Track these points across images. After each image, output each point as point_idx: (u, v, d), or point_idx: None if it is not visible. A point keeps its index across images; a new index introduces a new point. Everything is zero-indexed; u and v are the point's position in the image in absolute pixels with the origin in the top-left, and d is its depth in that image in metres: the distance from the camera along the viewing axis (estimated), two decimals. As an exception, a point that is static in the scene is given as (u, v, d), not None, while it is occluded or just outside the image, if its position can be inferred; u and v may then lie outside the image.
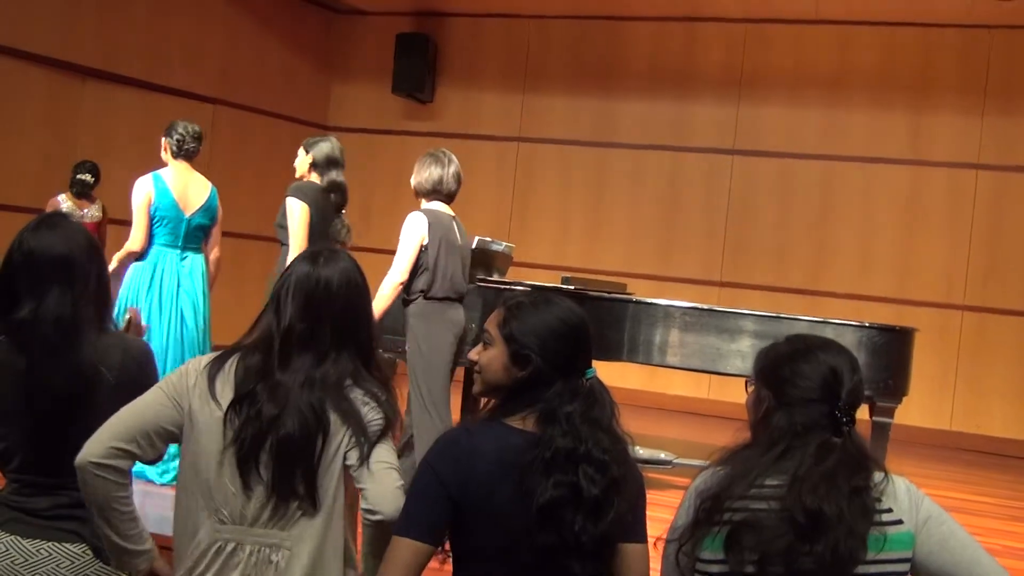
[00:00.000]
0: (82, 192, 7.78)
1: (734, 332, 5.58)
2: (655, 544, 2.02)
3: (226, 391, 2.16)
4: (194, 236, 5.26)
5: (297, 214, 4.88)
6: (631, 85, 10.03)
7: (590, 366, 2.13)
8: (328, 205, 5.07)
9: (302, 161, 5.16)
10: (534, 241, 9.91)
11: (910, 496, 1.92)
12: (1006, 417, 8.85)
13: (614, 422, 2.09)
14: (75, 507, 2.22)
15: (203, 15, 9.43)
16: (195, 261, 5.26)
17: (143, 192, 5.10)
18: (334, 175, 5.10)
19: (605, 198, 10.09)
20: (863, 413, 4.16)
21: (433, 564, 2.10)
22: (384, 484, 2.10)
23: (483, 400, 2.22)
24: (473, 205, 9.62)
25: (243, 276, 8.71)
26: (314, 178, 5.10)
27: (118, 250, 5.17)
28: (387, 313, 4.77)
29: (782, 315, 5.76)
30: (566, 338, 2.10)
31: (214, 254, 5.41)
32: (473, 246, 5.38)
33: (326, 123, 10.88)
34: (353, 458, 2.12)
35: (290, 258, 4.84)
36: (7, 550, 2.22)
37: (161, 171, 5.23)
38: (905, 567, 1.88)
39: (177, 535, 2.18)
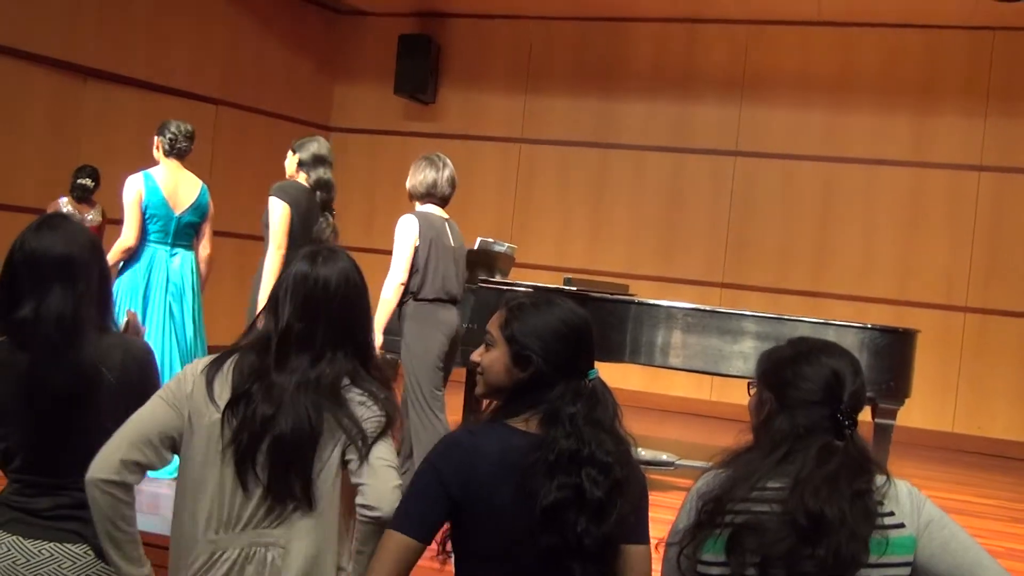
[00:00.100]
0: (82, 197, 7.84)
1: (736, 333, 5.57)
2: (656, 547, 2.02)
3: (224, 393, 2.15)
4: (184, 233, 5.32)
5: (277, 214, 4.89)
6: (633, 86, 10.02)
7: (592, 367, 2.13)
8: (313, 205, 5.07)
9: (290, 161, 5.20)
10: (536, 242, 9.91)
11: (912, 499, 1.92)
12: (1008, 419, 8.84)
13: (617, 423, 2.08)
14: (77, 507, 2.21)
15: (205, 16, 9.44)
16: (185, 258, 5.31)
17: (134, 189, 5.17)
18: (321, 172, 5.11)
19: (607, 199, 10.09)
20: (865, 415, 4.16)
21: (434, 564, 2.10)
22: (383, 481, 2.10)
23: (485, 402, 2.22)
24: (475, 206, 9.65)
25: (245, 276, 8.66)
26: (301, 178, 5.12)
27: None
28: (388, 314, 4.77)
29: (784, 316, 5.76)
30: (568, 339, 2.10)
31: (206, 252, 5.44)
32: (475, 247, 5.39)
33: (328, 124, 10.88)
34: (352, 456, 2.12)
35: (268, 257, 4.85)
36: (8, 551, 2.22)
37: (151, 169, 5.29)
38: (907, 571, 1.88)
39: (174, 538, 2.18)
